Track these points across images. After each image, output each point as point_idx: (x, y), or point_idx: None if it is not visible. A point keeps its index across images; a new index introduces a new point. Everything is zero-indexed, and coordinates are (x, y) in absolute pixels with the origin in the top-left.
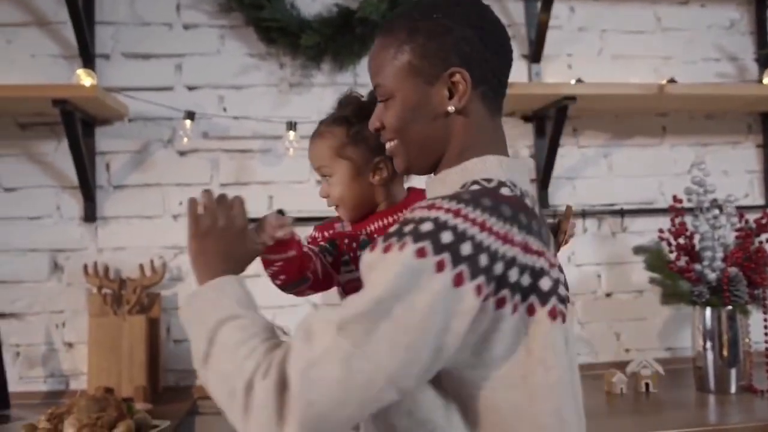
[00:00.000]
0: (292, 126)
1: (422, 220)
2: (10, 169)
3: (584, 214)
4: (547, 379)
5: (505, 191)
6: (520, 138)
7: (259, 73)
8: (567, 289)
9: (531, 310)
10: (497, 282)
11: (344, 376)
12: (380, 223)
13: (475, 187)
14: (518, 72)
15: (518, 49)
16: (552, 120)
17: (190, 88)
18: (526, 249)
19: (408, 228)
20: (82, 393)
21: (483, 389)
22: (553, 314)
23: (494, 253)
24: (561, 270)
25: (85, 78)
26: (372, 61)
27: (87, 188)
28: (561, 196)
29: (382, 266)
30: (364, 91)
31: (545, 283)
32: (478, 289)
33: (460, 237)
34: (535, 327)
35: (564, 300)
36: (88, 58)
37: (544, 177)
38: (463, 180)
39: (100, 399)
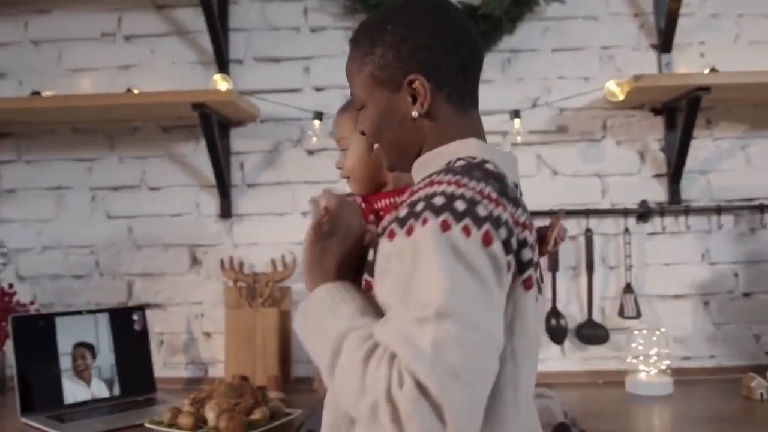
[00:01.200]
0: None
1: (432, 196)
2: (154, 169)
3: (719, 210)
4: (512, 344)
5: (489, 167)
6: (649, 131)
7: None
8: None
9: (514, 278)
10: (504, 247)
11: (465, 358)
12: (388, 200)
13: (461, 162)
14: (647, 63)
15: (647, 39)
16: (684, 112)
17: (318, 89)
18: (515, 220)
19: (420, 206)
20: (221, 380)
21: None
22: (527, 284)
23: (498, 218)
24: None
25: (221, 83)
26: (346, 70)
27: (223, 187)
28: (694, 190)
29: (415, 248)
30: (490, 86)
31: (526, 254)
32: (502, 246)
33: (472, 202)
34: (510, 294)
35: (539, 282)
36: (222, 63)
37: (675, 171)
38: (447, 159)
39: (237, 386)
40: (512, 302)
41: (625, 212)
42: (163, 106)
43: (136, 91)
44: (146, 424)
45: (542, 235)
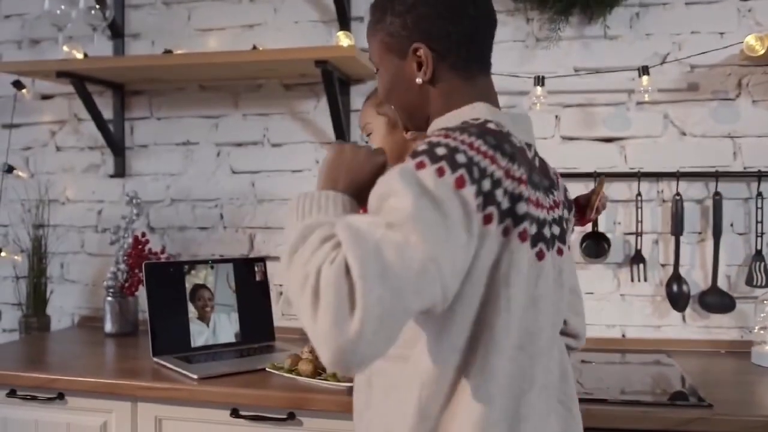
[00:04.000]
0: (539, 81)
1: (421, 144)
2: (277, 126)
3: None
4: (507, 294)
5: (491, 126)
6: None
7: (506, 29)
8: (560, 235)
9: (506, 232)
10: (485, 198)
11: (399, 263)
12: None
13: (464, 125)
14: None
15: None
16: None
17: None
18: (508, 174)
19: (412, 154)
20: None
21: (472, 306)
22: (522, 236)
23: (483, 169)
24: (560, 219)
25: (344, 39)
26: (367, 36)
27: None
28: None
29: (389, 182)
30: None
31: (521, 208)
32: (476, 194)
33: (453, 149)
34: (506, 247)
35: (546, 239)
36: (344, 21)
37: None
38: (456, 122)
39: None
40: (507, 253)
41: (758, 175)
42: (287, 63)
43: (261, 49)
44: (268, 369)
45: (584, 202)
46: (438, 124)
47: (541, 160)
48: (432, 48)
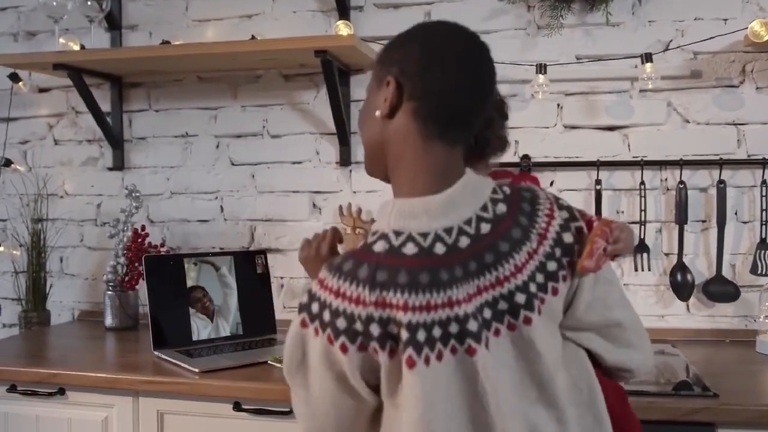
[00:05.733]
0: (541, 69)
1: (306, 292)
2: (276, 117)
3: None
4: (411, 416)
5: (377, 246)
6: None
7: (506, 17)
8: (525, 303)
9: (392, 354)
10: (362, 337)
11: (305, 411)
12: None
13: (358, 248)
14: None
15: None
16: None
17: None
18: (384, 305)
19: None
20: None
21: (387, 418)
22: (409, 362)
23: (350, 315)
24: (494, 301)
25: (343, 29)
26: None
27: (343, 134)
28: None
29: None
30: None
31: (404, 333)
32: (343, 347)
33: (322, 305)
34: (399, 369)
35: (456, 336)
36: (344, 10)
37: None
38: (377, 227)
39: None
40: (393, 377)
41: (763, 163)
42: (286, 53)
43: (259, 39)
44: (270, 362)
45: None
46: (377, 217)
47: (494, 225)
48: (400, 83)
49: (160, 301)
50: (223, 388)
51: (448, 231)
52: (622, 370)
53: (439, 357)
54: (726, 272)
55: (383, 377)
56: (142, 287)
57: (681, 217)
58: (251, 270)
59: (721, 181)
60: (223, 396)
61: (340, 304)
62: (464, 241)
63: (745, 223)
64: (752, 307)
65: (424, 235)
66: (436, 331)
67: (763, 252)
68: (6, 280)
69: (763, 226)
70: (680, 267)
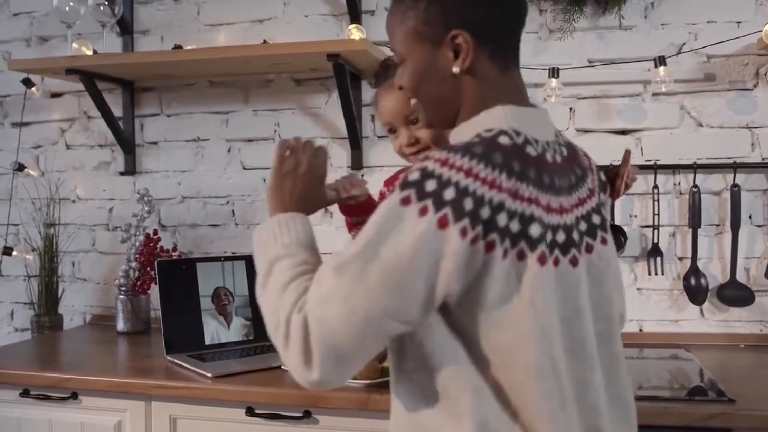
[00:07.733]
0: (554, 73)
1: (415, 171)
2: (288, 121)
3: None
4: (538, 321)
5: (503, 139)
6: None
7: None
8: (600, 225)
9: (521, 256)
10: (484, 226)
11: (346, 313)
12: None
13: (476, 139)
14: None
15: None
16: None
17: None
18: (516, 195)
19: (402, 178)
20: None
21: (481, 331)
22: (542, 259)
23: (480, 198)
24: (593, 210)
25: (355, 33)
26: (386, 26)
27: (355, 138)
28: None
29: (378, 211)
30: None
31: (535, 230)
32: (463, 231)
33: (444, 184)
34: (525, 272)
35: (564, 245)
36: (355, 14)
37: None
38: (473, 132)
39: None
40: (528, 279)
41: None
42: (297, 57)
43: (271, 43)
44: (283, 367)
45: (613, 176)
46: (456, 135)
47: (569, 150)
48: (472, 35)
49: (172, 305)
50: (236, 393)
51: (548, 144)
52: None
53: (574, 262)
54: (740, 276)
55: (490, 285)
56: (154, 291)
57: (695, 221)
58: None
59: (735, 185)
60: (235, 401)
61: (471, 184)
62: (559, 157)
63: (759, 226)
64: (767, 312)
65: (536, 141)
66: (559, 236)
67: None
68: (18, 284)
69: None
70: (694, 271)
